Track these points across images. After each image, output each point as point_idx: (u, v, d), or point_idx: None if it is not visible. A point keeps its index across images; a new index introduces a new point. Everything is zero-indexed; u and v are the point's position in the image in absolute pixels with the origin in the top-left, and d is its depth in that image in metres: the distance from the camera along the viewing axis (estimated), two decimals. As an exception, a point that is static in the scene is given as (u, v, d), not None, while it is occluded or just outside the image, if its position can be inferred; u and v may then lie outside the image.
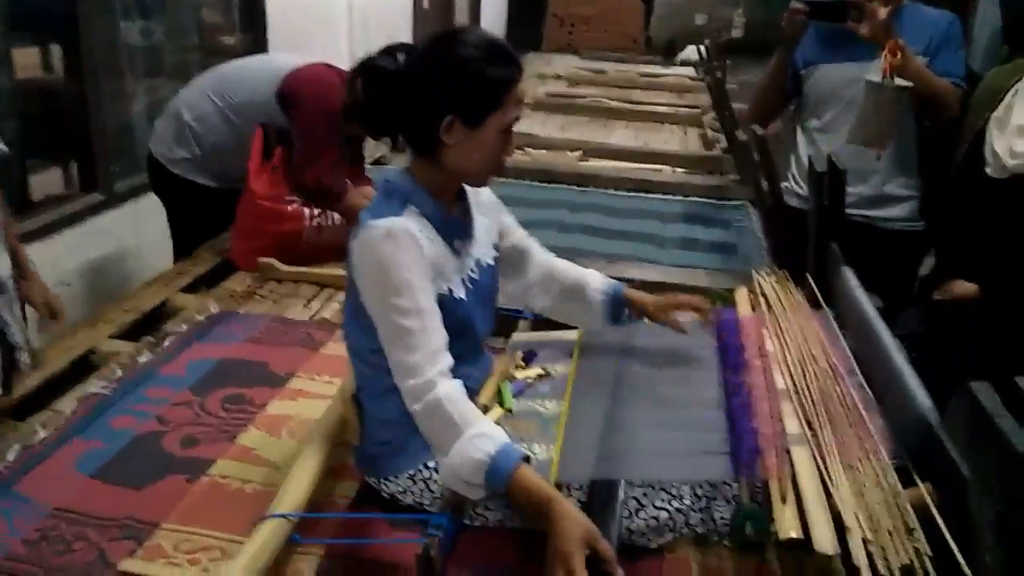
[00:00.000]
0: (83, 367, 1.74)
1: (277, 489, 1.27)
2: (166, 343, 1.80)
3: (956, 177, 2.12)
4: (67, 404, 1.57)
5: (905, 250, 2.32)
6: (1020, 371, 1.05)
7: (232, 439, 1.48)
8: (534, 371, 1.50)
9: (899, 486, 1.08)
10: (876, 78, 1.99)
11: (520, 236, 1.55)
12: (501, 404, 1.40)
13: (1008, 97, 1.94)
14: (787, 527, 1.04)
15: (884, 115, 1.99)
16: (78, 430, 1.49)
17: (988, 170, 1.94)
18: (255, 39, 4.00)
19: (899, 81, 1.98)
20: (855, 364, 1.38)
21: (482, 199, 1.44)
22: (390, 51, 1.29)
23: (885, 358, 1.30)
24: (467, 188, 1.37)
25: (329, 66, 2.30)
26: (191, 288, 2.13)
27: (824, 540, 1.00)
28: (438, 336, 1.22)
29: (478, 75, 1.21)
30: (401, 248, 1.20)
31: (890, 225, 2.26)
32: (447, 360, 1.21)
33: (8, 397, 1.57)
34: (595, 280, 1.56)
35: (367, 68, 1.29)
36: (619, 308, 1.55)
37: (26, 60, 2.65)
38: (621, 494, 1.18)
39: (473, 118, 1.23)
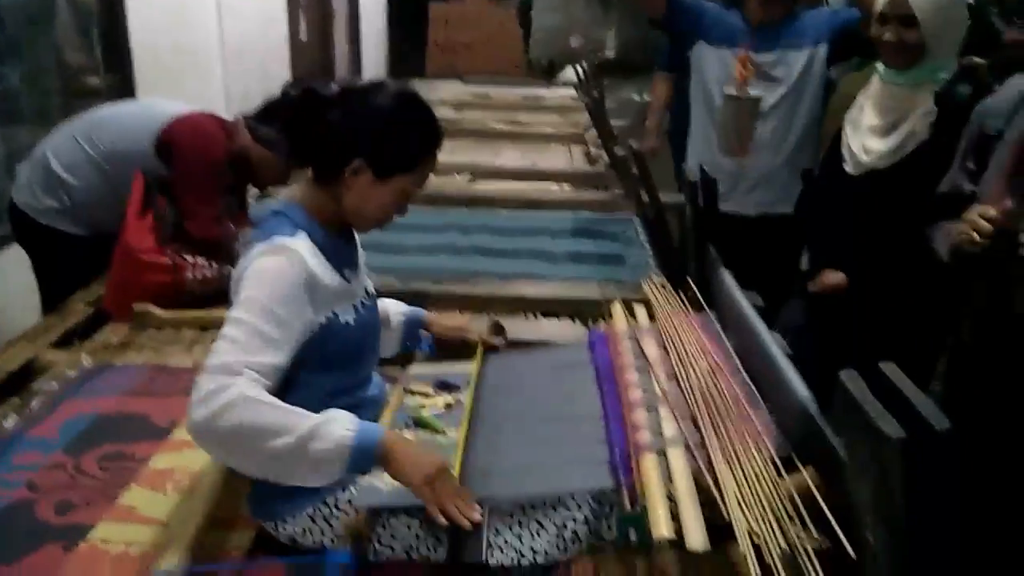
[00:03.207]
0: (-60, 438, 1.59)
1: (164, 548, 1.20)
2: (34, 403, 1.68)
3: (820, 175, 2.26)
4: (-78, 481, 1.43)
5: (775, 237, 2.48)
6: (887, 356, 1.11)
7: (112, 500, 1.39)
8: (443, 399, 1.50)
9: (780, 474, 1.12)
10: (732, 91, 2.13)
11: None
12: (434, 430, 1.41)
13: (860, 100, 2.09)
14: (660, 527, 1.07)
15: (742, 125, 2.12)
16: (-64, 508, 1.36)
17: (846, 167, 2.07)
18: (122, 80, 3.83)
19: (752, 92, 2.13)
20: (738, 361, 1.43)
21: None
22: (325, 80, 1.32)
23: (764, 353, 1.36)
24: None
25: (210, 115, 2.26)
26: (62, 343, 2.00)
27: (694, 537, 1.04)
28: (255, 354, 1.13)
29: (403, 135, 1.26)
30: (284, 265, 1.19)
31: (755, 211, 2.42)
32: (253, 377, 1.12)
33: None
34: (395, 306, 1.64)
35: (302, 87, 1.28)
36: (415, 330, 1.64)
37: None
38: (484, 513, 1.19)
39: (381, 171, 1.26)
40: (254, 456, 1.12)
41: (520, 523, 1.23)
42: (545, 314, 2.16)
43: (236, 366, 1.11)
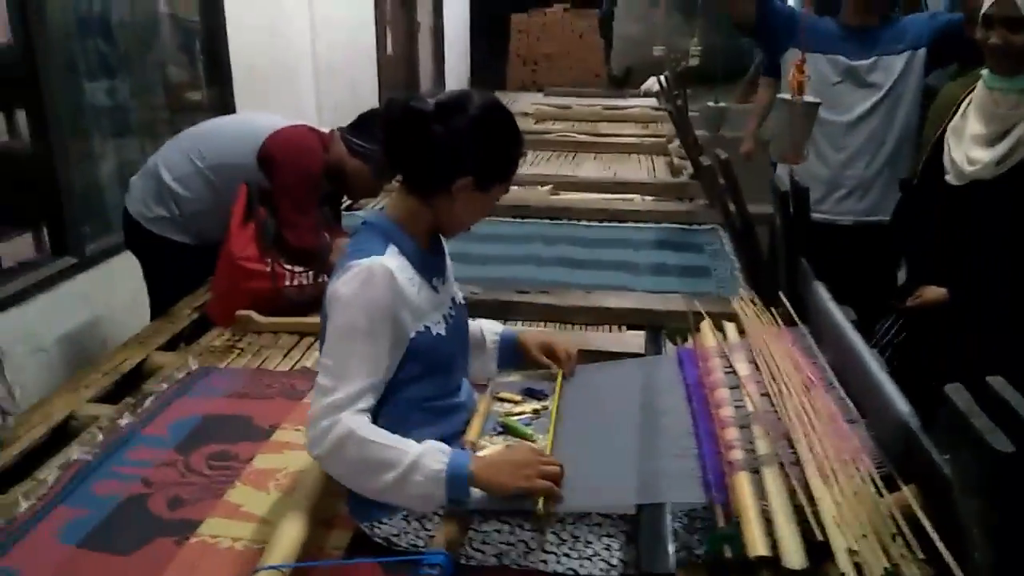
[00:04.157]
0: (63, 434, 1.71)
1: (268, 544, 1.26)
2: (146, 403, 1.78)
3: (919, 186, 2.19)
4: (49, 472, 1.54)
5: (870, 246, 2.40)
6: (992, 371, 1.07)
7: (219, 497, 1.46)
8: (530, 406, 1.53)
9: (882, 492, 1.09)
10: (786, 96, 2.10)
11: None
12: (523, 436, 1.45)
13: (963, 108, 2.02)
14: (756, 545, 1.06)
15: (796, 130, 2.08)
16: (61, 499, 1.46)
17: (948, 177, 2.00)
18: (221, 95, 4.03)
19: (808, 98, 2.09)
20: (834, 377, 1.40)
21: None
22: (421, 95, 1.35)
23: (862, 369, 1.32)
24: None
25: (308, 128, 2.35)
26: (169, 346, 2.12)
27: (792, 555, 1.02)
28: (357, 384, 1.23)
29: (506, 151, 1.32)
30: (369, 290, 1.24)
31: (849, 220, 2.36)
32: (357, 407, 1.23)
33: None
34: (489, 326, 1.65)
35: (401, 106, 1.33)
36: (510, 351, 1.63)
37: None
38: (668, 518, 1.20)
39: (484, 184, 1.31)
40: (367, 488, 1.24)
41: (610, 534, 1.24)
42: (629, 327, 2.16)
43: (340, 402, 1.22)
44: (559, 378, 1.59)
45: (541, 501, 1.22)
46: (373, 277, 1.24)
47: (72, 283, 2.84)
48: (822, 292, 1.61)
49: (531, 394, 1.61)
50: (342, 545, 1.33)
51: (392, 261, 1.27)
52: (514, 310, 2.23)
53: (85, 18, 3.12)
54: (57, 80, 2.81)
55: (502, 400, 1.60)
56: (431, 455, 1.22)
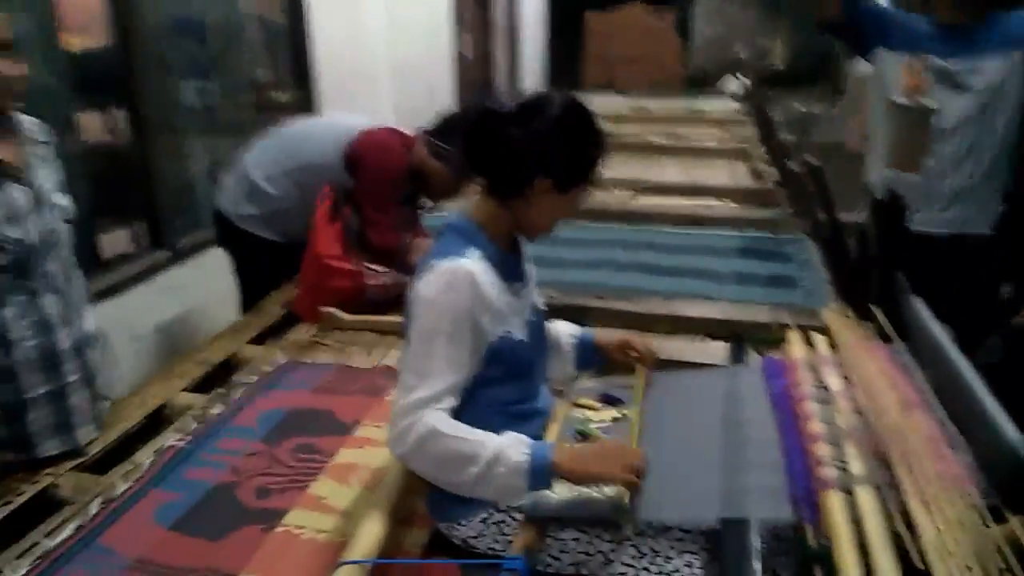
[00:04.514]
0: (158, 420, 1.78)
1: (349, 538, 1.28)
2: (236, 394, 1.84)
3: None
4: (144, 456, 1.61)
5: (966, 261, 2.27)
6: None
7: (303, 489, 1.50)
8: (609, 413, 1.51)
9: (986, 523, 1.04)
10: (903, 99, 1.97)
11: None
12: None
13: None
14: (848, 568, 1.02)
15: (914, 137, 1.97)
16: (156, 482, 1.53)
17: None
18: (305, 95, 4.13)
19: (924, 101, 1.96)
20: (934, 398, 1.34)
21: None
22: (500, 97, 1.36)
23: (966, 390, 1.26)
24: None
25: (392, 130, 2.39)
26: (258, 340, 2.18)
27: None
28: (437, 384, 1.24)
29: (587, 152, 1.30)
30: (452, 292, 1.24)
31: (944, 232, 2.24)
32: (438, 406, 1.24)
33: (86, 455, 1.62)
34: (566, 328, 1.62)
35: (477, 108, 1.34)
36: (587, 353, 1.60)
37: (91, 124, 2.78)
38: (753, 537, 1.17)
39: (564, 186, 1.29)
40: (451, 482, 1.25)
41: (691, 551, 1.21)
42: (711, 336, 2.12)
43: (422, 401, 1.23)
44: (640, 376, 1.56)
45: (626, 496, 1.19)
46: (456, 280, 1.24)
47: (166, 275, 2.96)
48: (920, 307, 1.54)
49: (609, 401, 1.59)
50: (420, 544, 1.35)
51: (475, 264, 1.27)
52: (591, 315, 2.21)
53: (178, 20, 3.24)
54: (152, 80, 2.93)
55: (580, 406, 1.58)
56: (513, 447, 1.21)
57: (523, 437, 1.24)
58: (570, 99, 1.31)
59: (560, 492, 1.26)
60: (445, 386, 1.24)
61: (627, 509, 1.19)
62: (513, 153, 1.28)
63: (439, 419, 1.22)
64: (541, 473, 1.20)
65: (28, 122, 1.59)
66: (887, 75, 2.38)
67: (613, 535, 1.24)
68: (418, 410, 1.22)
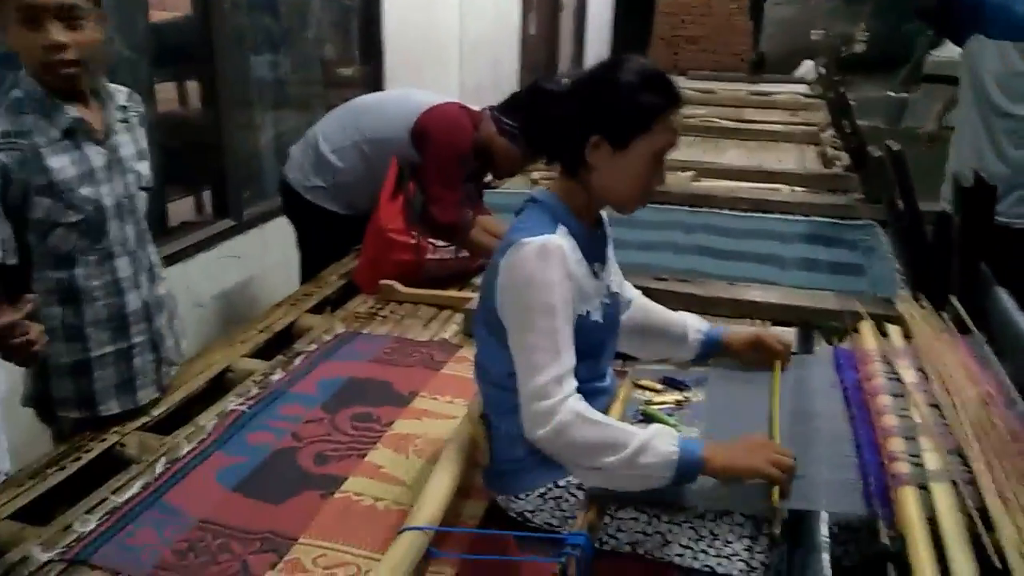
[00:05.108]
0: (220, 384, 1.82)
1: (407, 507, 1.29)
2: (296, 362, 1.87)
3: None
4: (207, 419, 1.64)
5: None
6: None
7: (362, 456, 1.52)
8: (672, 396, 1.48)
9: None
10: (996, 89, 1.89)
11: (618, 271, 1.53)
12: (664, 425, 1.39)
13: None
14: (923, 567, 0.98)
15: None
16: (219, 444, 1.56)
17: None
18: (373, 71, 4.15)
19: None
20: (1017, 394, 1.28)
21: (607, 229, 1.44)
22: (554, 76, 1.34)
23: (1053, 387, 1.20)
24: (603, 214, 1.38)
25: (460, 106, 2.38)
26: (317, 309, 2.21)
27: None
28: (567, 360, 1.21)
29: (628, 98, 1.23)
30: (551, 267, 1.21)
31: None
32: (573, 384, 1.21)
33: (148, 415, 1.66)
34: (694, 322, 1.57)
35: (534, 88, 1.32)
36: (711, 350, 1.55)
37: (165, 94, 2.84)
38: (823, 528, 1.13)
39: (619, 140, 1.23)
40: (586, 466, 1.20)
41: (752, 536, 1.18)
42: (775, 322, 2.07)
43: (557, 382, 1.20)
44: (776, 370, 1.51)
45: (775, 493, 1.15)
46: (550, 255, 1.21)
47: (230, 244, 3.02)
48: (1004, 298, 1.47)
49: (672, 384, 1.56)
50: (477, 515, 1.35)
51: (563, 240, 1.24)
52: (652, 297, 2.17)
53: (255, -6, 3.29)
54: (228, 53, 2.97)
55: (642, 387, 1.56)
56: (662, 437, 1.19)
57: (670, 430, 1.24)
58: (618, 57, 1.28)
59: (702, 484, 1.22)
60: (571, 364, 1.22)
61: (776, 504, 1.15)
62: (558, 121, 1.27)
63: (583, 407, 1.20)
64: (689, 466, 1.17)
65: (115, 89, 1.62)
66: (983, 64, 2.28)
67: (671, 516, 1.21)
68: (556, 390, 1.19)
